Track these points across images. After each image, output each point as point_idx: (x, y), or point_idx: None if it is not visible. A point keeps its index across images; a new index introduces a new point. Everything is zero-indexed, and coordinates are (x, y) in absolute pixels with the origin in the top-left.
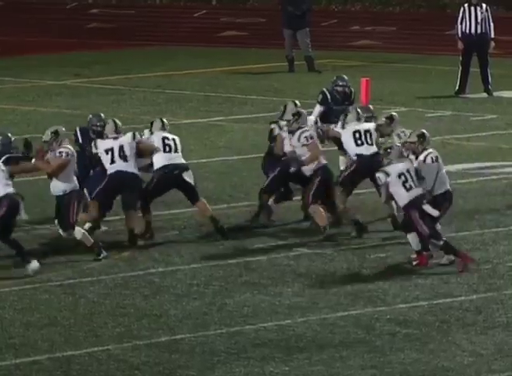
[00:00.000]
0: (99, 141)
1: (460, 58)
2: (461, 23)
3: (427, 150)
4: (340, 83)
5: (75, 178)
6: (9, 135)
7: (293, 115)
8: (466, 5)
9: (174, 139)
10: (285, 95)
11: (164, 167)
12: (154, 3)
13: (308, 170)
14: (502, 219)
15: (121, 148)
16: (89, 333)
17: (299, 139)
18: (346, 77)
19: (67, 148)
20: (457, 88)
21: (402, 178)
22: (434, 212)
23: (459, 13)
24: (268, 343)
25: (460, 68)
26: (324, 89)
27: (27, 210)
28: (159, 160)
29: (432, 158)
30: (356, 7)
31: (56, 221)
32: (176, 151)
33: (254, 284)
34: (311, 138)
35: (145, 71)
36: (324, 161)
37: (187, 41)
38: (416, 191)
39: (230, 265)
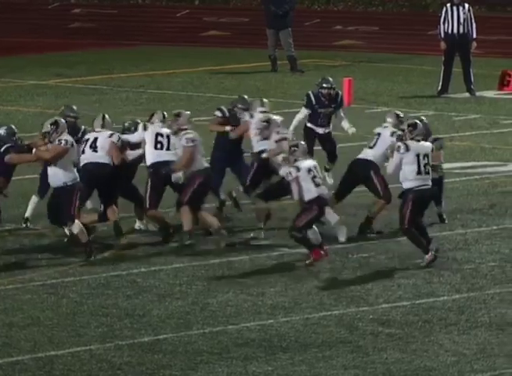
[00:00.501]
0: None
1: (443, 58)
2: (443, 23)
3: (413, 139)
4: (325, 85)
5: (75, 169)
6: (13, 127)
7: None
8: (448, 5)
9: (168, 137)
10: (268, 94)
11: (152, 165)
12: (137, 3)
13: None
14: (485, 219)
15: (95, 139)
16: (72, 333)
17: (181, 140)
18: (331, 79)
19: (67, 138)
20: (440, 87)
21: (312, 173)
22: (334, 218)
23: (441, 13)
24: (251, 343)
25: (443, 68)
26: (309, 92)
27: (12, 210)
28: (149, 156)
29: (397, 146)
30: (339, 7)
31: (50, 219)
32: (168, 149)
33: (237, 284)
34: (193, 141)
35: (127, 71)
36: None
37: (170, 41)
38: (324, 189)
39: (213, 265)
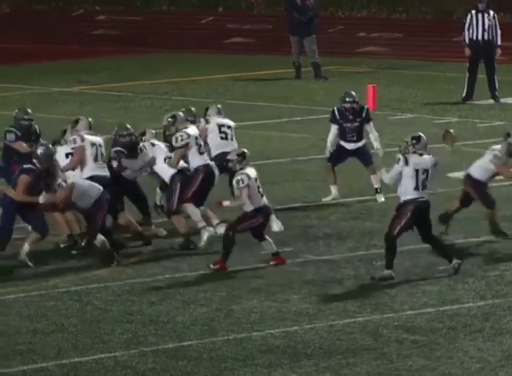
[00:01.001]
0: (85, 136)
1: (467, 64)
2: (468, 30)
3: (415, 153)
4: (347, 99)
5: (95, 184)
6: (52, 148)
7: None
8: (473, 11)
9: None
10: (292, 101)
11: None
12: (161, 10)
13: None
14: (511, 226)
15: (100, 146)
16: (96, 339)
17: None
18: (354, 93)
19: (61, 179)
20: (464, 94)
21: (257, 182)
22: (277, 226)
23: (466, 20)
24: (276, 350)
25: (467, 75)
26: (334, 107)
27: None
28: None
29: (398, 158)
30: (363, 13)
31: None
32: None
33: (261, 291)
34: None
35: (152, 78)
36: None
37: (194, 48)
38: (265, 200)
39: (237, 272)
